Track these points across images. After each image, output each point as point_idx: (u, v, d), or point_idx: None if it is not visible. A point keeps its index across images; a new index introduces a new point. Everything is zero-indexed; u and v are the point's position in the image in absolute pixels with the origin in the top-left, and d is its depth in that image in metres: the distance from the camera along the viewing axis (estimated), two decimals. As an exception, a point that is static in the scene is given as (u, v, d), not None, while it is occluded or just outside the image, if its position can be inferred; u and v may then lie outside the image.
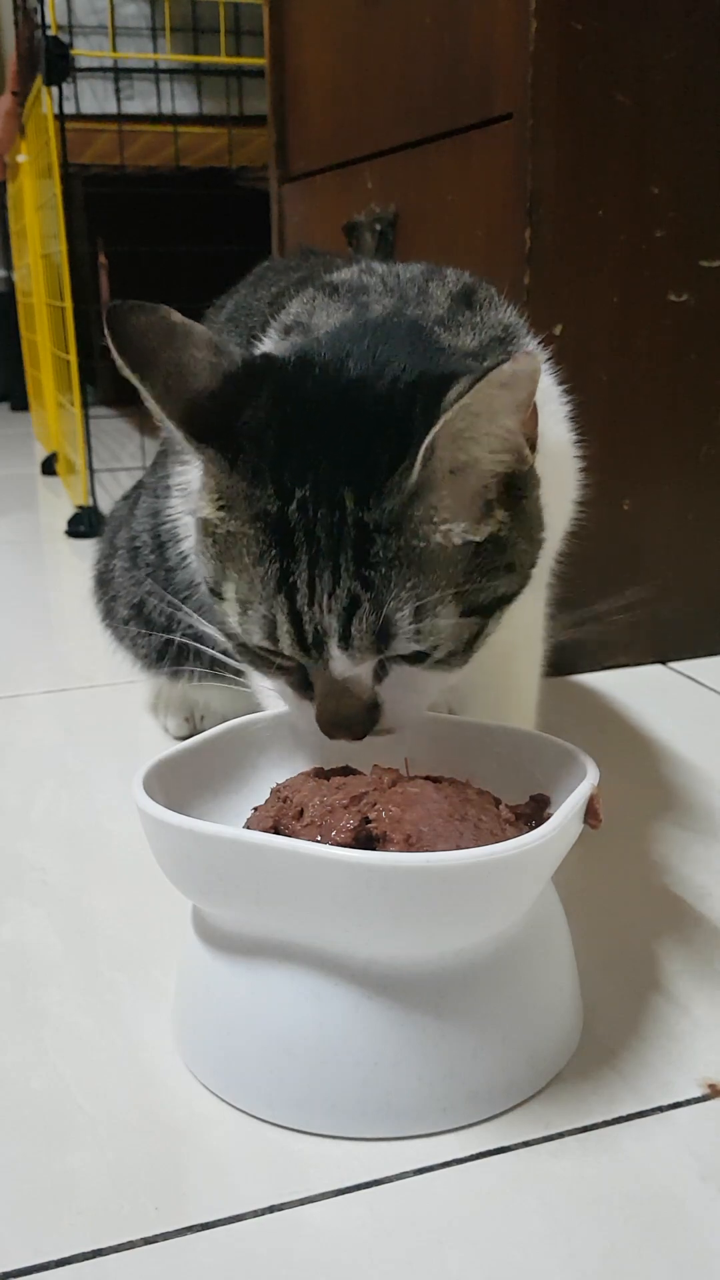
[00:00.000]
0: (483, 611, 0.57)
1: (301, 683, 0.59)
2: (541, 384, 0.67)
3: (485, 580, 0.56)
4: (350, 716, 0.58)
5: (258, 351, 0.71)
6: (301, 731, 0.62)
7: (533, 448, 0.57)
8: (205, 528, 0.58)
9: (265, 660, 0.59)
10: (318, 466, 0.54)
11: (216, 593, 0.58)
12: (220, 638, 0.62)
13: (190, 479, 0.69)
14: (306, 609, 0.54)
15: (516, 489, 0.58)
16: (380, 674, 0.57)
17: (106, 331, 0.55)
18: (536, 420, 0.58)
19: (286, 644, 0.55)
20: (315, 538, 0.53)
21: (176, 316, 0.57)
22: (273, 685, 0.61)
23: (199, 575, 0.61)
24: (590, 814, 0.57)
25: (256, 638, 0.56)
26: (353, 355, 0.57)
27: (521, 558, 0.58)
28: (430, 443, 0.52)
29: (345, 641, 0.54)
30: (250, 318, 0.86)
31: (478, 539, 0.55)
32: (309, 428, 0.55)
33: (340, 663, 0.55)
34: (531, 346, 0.69)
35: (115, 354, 0.55)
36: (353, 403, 0.55)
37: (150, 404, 0.56)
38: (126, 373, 0.55)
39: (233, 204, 2.28)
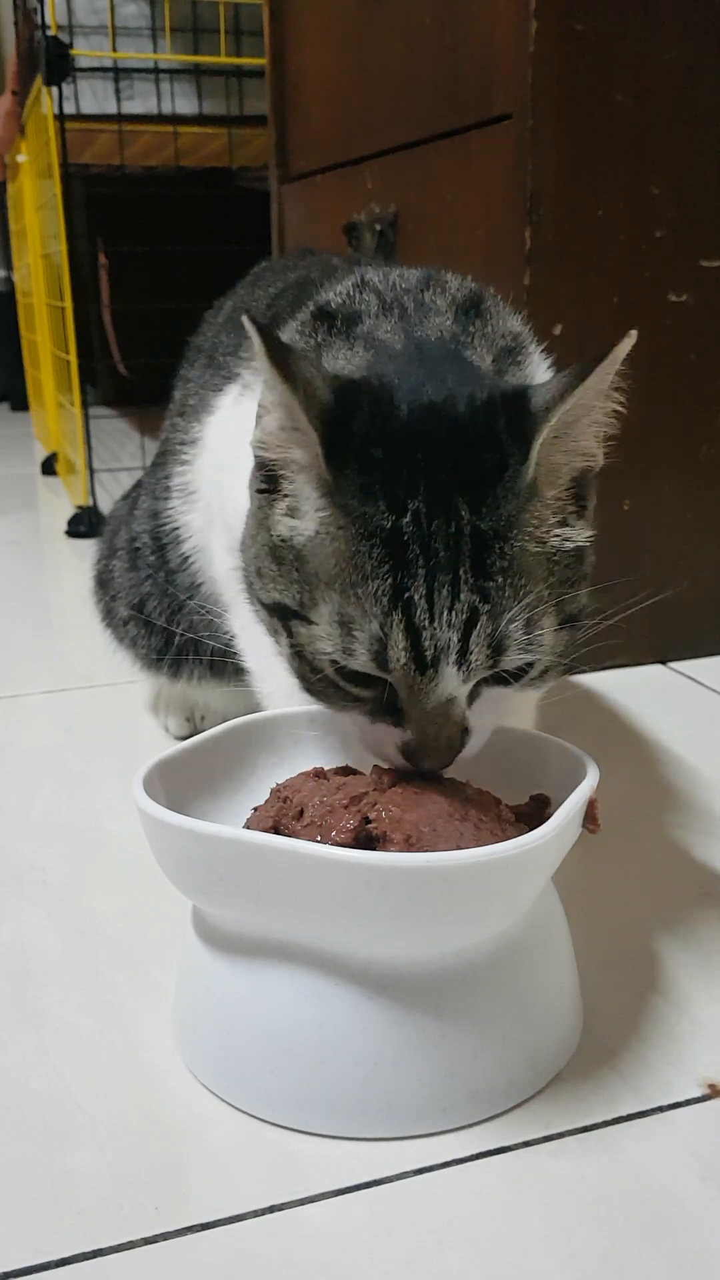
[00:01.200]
0: (573, 621, 0.56)
1: (383, 709, 0.55)
2: (548, 378, 0.67)
3: (573, 589, 0.56)
4: (449, 741, 0.54)
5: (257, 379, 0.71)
6: (378, 753, 0.58)
7: (600, 445, 0.57)
8: (289, 547, 0.55)
9: (343, 689, 0.55)
10: (428, 480, 0.52)
11: (300, 616, 0.55)
12: (282, 666, 0.59)
13: (236, 497, 0.65)
14: (427, 625, 0.51)
15: (583, 497, 0.57)
16: (473, 695, 0.55)
17: (258, 343, 0.53)
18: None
19: (400, 663, 0.52)
20: (432, 550, 0.51)
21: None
22: (339, 713, 0.58)
23: (263, 598, 0.58)
24: (589, 819, 0.57)
25: (360, 660, 0.53)
26: (424, 380, 0.57)
27: (590, 570, 0.58)
28: (538, 446, 0.52)
29: (463, 657, 0.52)
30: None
31: (576, 544, 0.55)
32: (411, 446, 0.54)
33: (451, 681, 0.52)
34: (541, 353, 0.69)
35: (272, 366, 0.53)
36: (445, 421, 0.55)
37: (290, 417, 0.54)
38: (277, 381, 0.53)
39: (233, 204, 2.28)
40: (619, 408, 0.56)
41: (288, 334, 0.68)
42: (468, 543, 0.52)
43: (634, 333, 0.52)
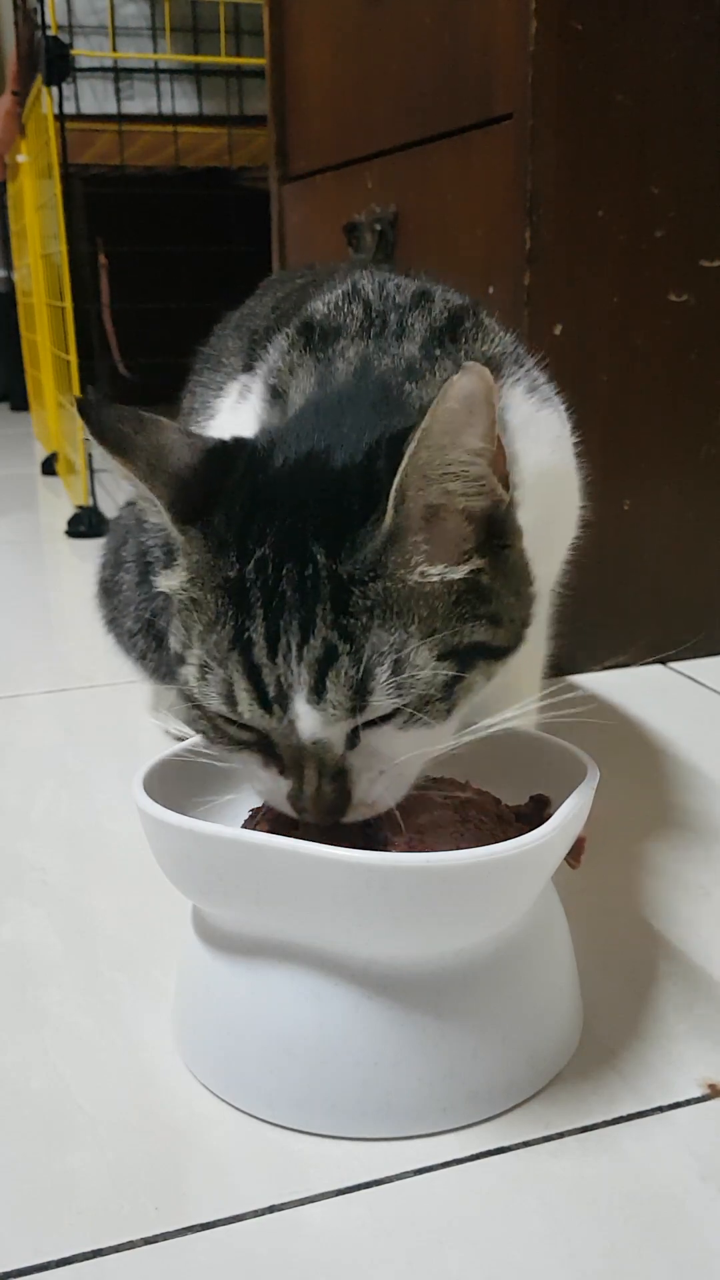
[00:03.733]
0: (458, 656, 0.53)
1: (265, 755, 0.55)
2: (521, 409, 0.66)
3: (462, 625, 0.54)
4: (324, 791, 0.53)
5: (245, 403, 0.71)
6: (273, 803, 0.57)
7: (505, 485, 0.55)
8: (175, 598, 0.57)
9: (225, 733, 0.55)
10: (279, 528, 0.53)
11: (182, 659, 0.56)
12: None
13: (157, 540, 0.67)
14: (267, 662, 0.51)
15: (496, 537, 0.56)
16: (351, 740, 0.53)
17: (83, 422, 0.56)
18: (503, 455, 0.55)
19: (245, 703, 0.52)
20: (277, 593, 0.52)
21: (142, 413, 0.57)
22: (236, 760, 0.57)
23: (172, 646, 0.59)
24: (573, 853, 0.57)
25: (214, 702, 0.53)
26: (318, 429, 0.57)
27: (507, 611, 0.56)
28: (400, 483, 0.51)
29: (317, 695, 0.51)
30: (252, 321, 0.86)
31: (455, 577, 0.53)
32: (272, 497, 0.54)
33: (309, 721, 0.51)
34: (520, 375, 0.67)
35: (95, 440, 0.55)
36: (316, 468, 0.55)
37: (136, 485, 0.56)
38: (110, 457, 0.55)
39: (233, 204, 2.28)
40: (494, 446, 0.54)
41: (275, 348, 0.69)
42: (325, 586, 0.51)
43: (477, 370, 0.50)
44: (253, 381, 0.71)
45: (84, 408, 0.56)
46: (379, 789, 0.54)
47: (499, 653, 0.56)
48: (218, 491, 0.55)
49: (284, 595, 0.52)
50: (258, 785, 0.57)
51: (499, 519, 0.56)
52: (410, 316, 0.66)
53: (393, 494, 0.51)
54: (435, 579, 0.53)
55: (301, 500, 0.53)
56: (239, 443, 0.58)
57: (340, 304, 0.68)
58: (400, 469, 0.51)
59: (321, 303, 0.69)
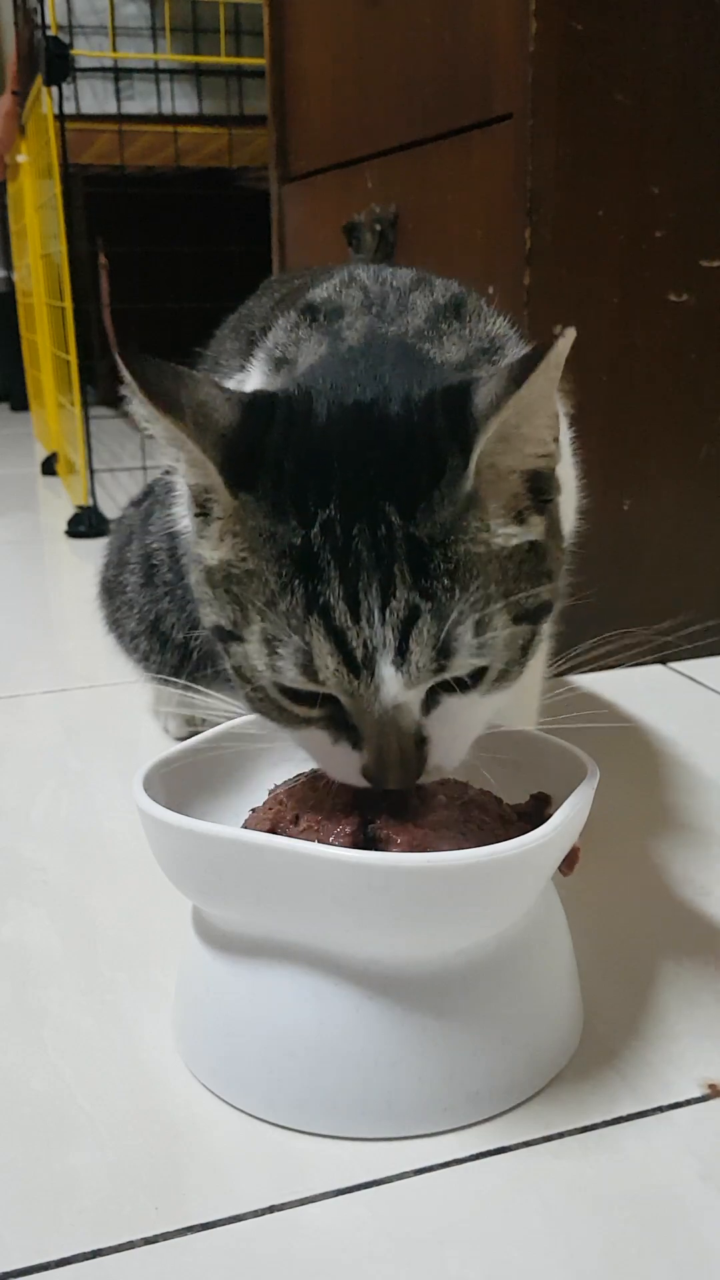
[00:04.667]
0: (531, 618, 0.54)
1: (336, 724, 0.53)
2: None
3: (531, 586, 0.54)
4: (403, 756, 0.52)
5: (247, 376, 0.70)
6: (342, 778, 0.56)
7: (556, 440, 0.56)
8: (221, 570, 0.55)
9: (288, 710, 0.54)
10: (344, 488, 0.51)
11: (236, 636, 0.54)
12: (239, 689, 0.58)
13: (178, 511, 0.66)
14: (351, 625, 0.50)
15: (543, 493, 0.56)
16: (428, 704, 0.52)
17: (129, 377, 0.52)
18: (558, 409, 0.56)
19: (329, 669, 0.50)
20: (352, 553, 0.50)
21: (180, 367, 0.54)
22: (298, 739, 0.56)
23: (205, 622, 0.57)
24: (567, 861, 0.57)
25: (290, 675, 0.51)
26: (355, 380, 0.56)
27: (556, 566, 0.56)
28: (484, 447, 0.51)
29: (402, 657, 0.50)
30: (251, 322, 0.86)
31: (528, 540, 0.54)
32: (326, 455, 0.52)
33: (392, 684, 0.50)
34: (517, 355, 0.68)
35: (145, 399, 0.52)
36: (370, 423, 0.53)
37: (184, 447, 0.53)
38: (154, 416, 0.52)
39: (233, 204, 2.28)
40: (569, 407, 0.55)
41: (276, 334, 0.68)
42: (402, 546, 0.50)
43: (572, 331, 0.50)
44: (250, 364, 0.71)
45: (128, 359, 0.52)
46: (452, 754, 0.54)
47: (552, 609, 0.57)
48: (261, 449, 0.53)
49: (359, 557, 0.50)
50: (325, 762, 0.56)
51: (545, 474, 0.56)
52: (411, 296, 0.67)
53: (474, 457, 0.51)
54: (509, 541, 0.53)
55: (362, 458, 0.52)
56: (272, 396, 0.56)
57: (339, 288, 0.69)
58: (485, 433, 0.51)
59: (320, 289, 0.70)
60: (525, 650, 0.54)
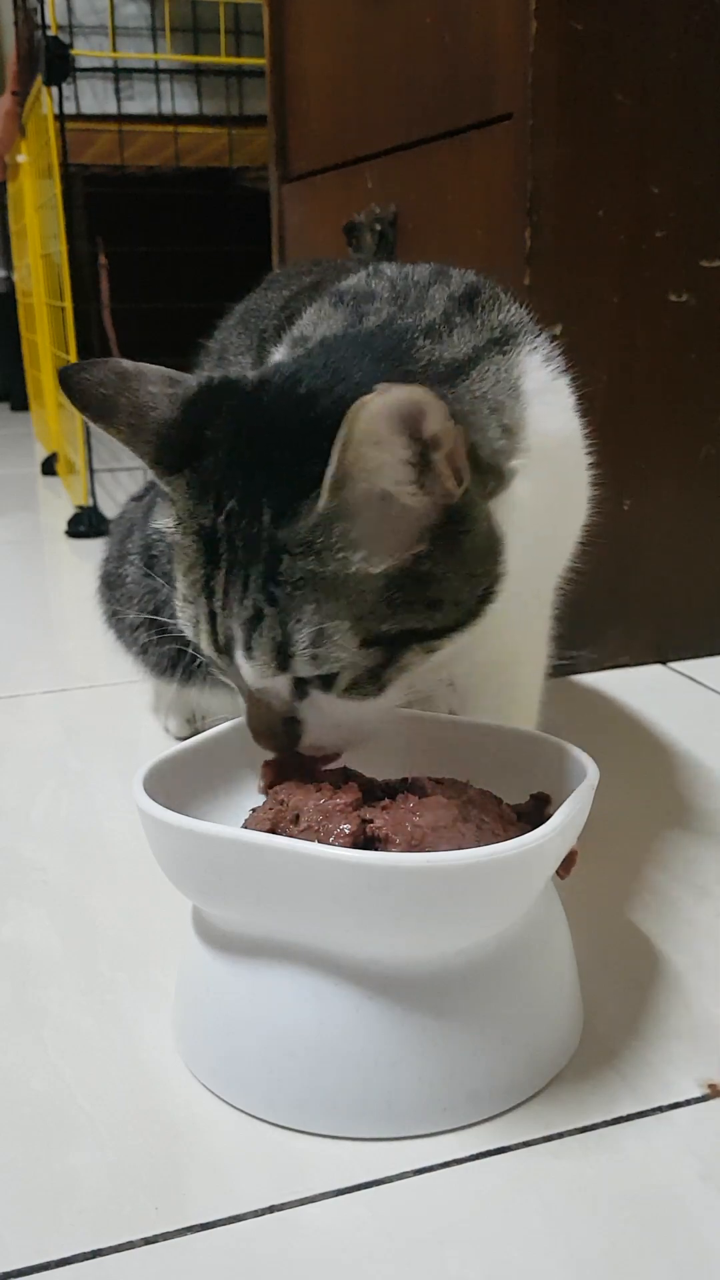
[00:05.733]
0: (387, 643, 0.55)
1: (240, 685, 0.59)
2: (537, 375, 0.66)
3: (394, 612, 0.54)
4: (270, 727, 0.58)
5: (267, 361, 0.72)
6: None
7: (459, 480, 0.55)
8: (169, 538, 0.60)
9: (213, 662, 0.59)
10: (249, 479, 0.55)
11: (175, 598, 0.60)
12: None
13: None
14: (220, 612, 0.55)
15: (454, 523, 0.56)
16: (301, 692, 0.56)
17: (63, 392, 0.59)
18: (460, 449, 0.54)
19: (205, 644, 0.57)
20: (235, 547, 0.55)
21: (127, 363, 0.59)
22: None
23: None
24: (563, 864, 0.57)
25: (190, 635, 0.58)
26: (313, 369, 0.57)
27: (452, 594, 0.56)
28: (332, 474, 0.51)
29: (248, 651, 0.55)
30: (260, 320, 0.86)
31: (383, 570, 0.53)
32: (252, 444, 0.56)
33: (247, 671, 0.55)
34: (539, 344, 0.68)
35: (78, 409, 0.58)
36: (292, 419, 0.55)
37: (123, 445, 0.59)
38: (92, 424, 0.59)
39: (233, 204, 2.28)
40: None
41: (303, 321, 0.69)
42: (264, 547, 0.53)
43: (383, 389, 0.49)
44: (271, 355, 0.73)
45: (64, 376, 0.58)
46: (330, 738, 0.59)
47: (437, 634, 0.57)
48: (201, 438, 0.57)
49: (238, 551, 0.54)
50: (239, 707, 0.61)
51: (457, 507, 0.56)
52: (431, 290, 0.67)
53: (327, 482, 0.52)
54: (365, 567, 0.53)
55: (269, 452, 0.55)
56: (225, 383, 0.59)
57: (366, 280, 0.70)
58: (331, 463, 0.51)
59: (351, 279, 0.71)
60: (377, 674, 0.56)
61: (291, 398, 0.56)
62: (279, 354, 0.70)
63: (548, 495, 0.64)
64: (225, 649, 0.56)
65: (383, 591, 0.54)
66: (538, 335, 0.69)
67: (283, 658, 0.54)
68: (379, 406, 0.49)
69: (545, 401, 0.65)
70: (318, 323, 0.68)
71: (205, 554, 0.56)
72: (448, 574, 0.56)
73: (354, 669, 0.55)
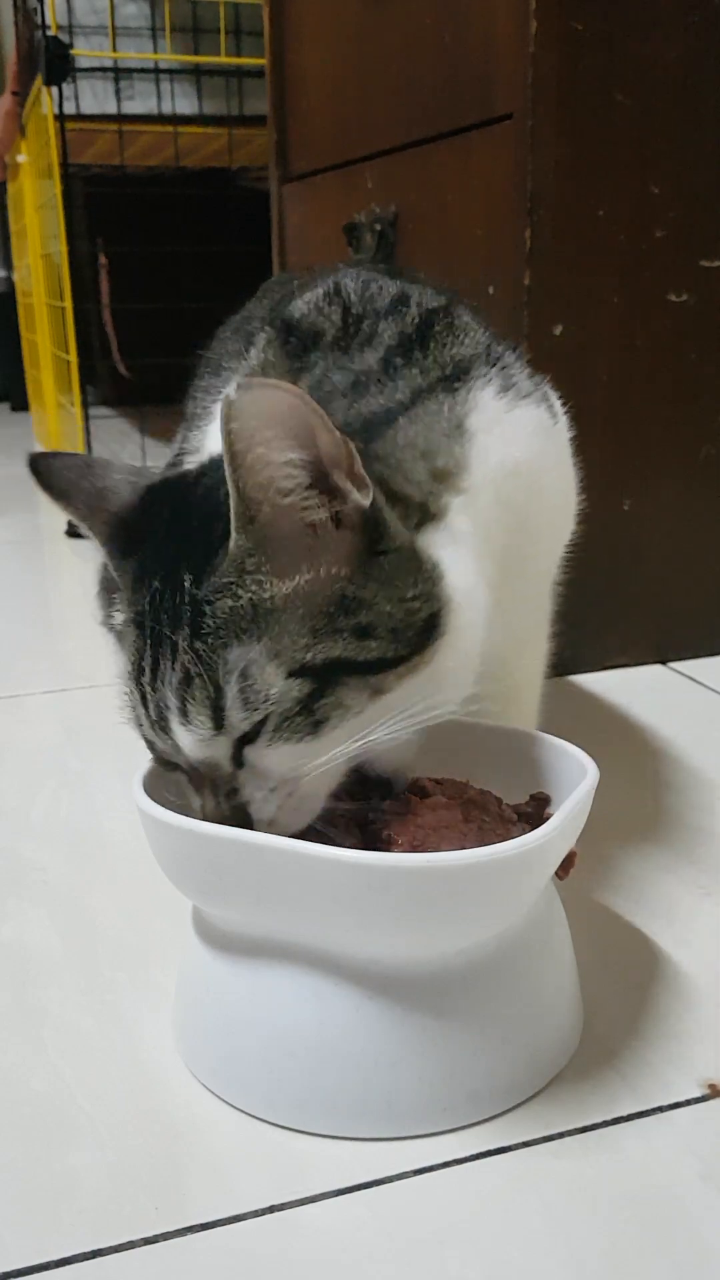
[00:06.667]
0: (314, 674, 0.52)
1: (189, 779, 0.57)
2: (487, 410, 0.64)
3: (317, 640, 0.52)
4: (224, 808, 0.54)
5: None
6: None
7: (358, 486, 0.53)
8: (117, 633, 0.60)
9: (156, 756, 0.58)
10: (171, 560, 0.55)
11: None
12: None
13: None
14: (150, 689, 0.54)
15: (371, 543, 0.54)
16: (239, 761, 0.53)
17: (32, 476, 0.61)
18: (352, 455, 0.53)
19: (143, 724, 0.56)
20: (160, 622, 0.54)
21: (94, 458, 0.62)
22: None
23: None
24: (562, 866, 0.57)
25: (130, 723, 0.57)
26: None
27: (383, 620, 0.54)
28: (235, 504, 0.51)
29: (184, 717, 0.53)
30: (250, 325, 0.86)
31: (297, 591, 0.53)
32: (175, 530, 0.56)
33: (185, 741, 0.53)
34: (492, 375, 0.65)
35: (42, 490, 0.61)
36: (211, 500, 0.55)
37: (80, 527, 0.61)
38: (54, 503, 0.61)
39: (233, 204, 2.28)
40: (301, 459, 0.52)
41: (255, 346, 0.69)
42: (187, 610, 0.53)
43: (247, 384, 0.49)
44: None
45: (33, 461, 0.62)
46: (273, 808, 0.54)
47: (374, 666, 0.53)
48: (145, 527, 0.58)
49: (162, 623, 0.54)
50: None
51: (371, 523, 0.54)
52: (383, 324, 0.66)
53: (232, 515, 0.51)
54: (277, 590, 0.52)
55: (189, 533, 0.56)
56: (180, 478, 0.61)
57: (321, 304, 0.68)
58: (230, 491, 0.51)
59: (303, 302, 0.69)
60: (307, 707, 0.52)
61: (211, 487, 0.56)
62: (232, 388, 0.69)
63: (503, 523, 0.62)
64: (161, 724, 0.54)
65: (304, 620, 0.52)
66: (493, 364, 0.66)
67: (217, 713, 0.52)
68: (247, 409, 0.49)
69: (495, 436, 0.63)
70: (264, 368, 0.67)
71: (135, 639, 0.56)
72: (375, 599, 0.54)
73: (280, 705, 0.52)
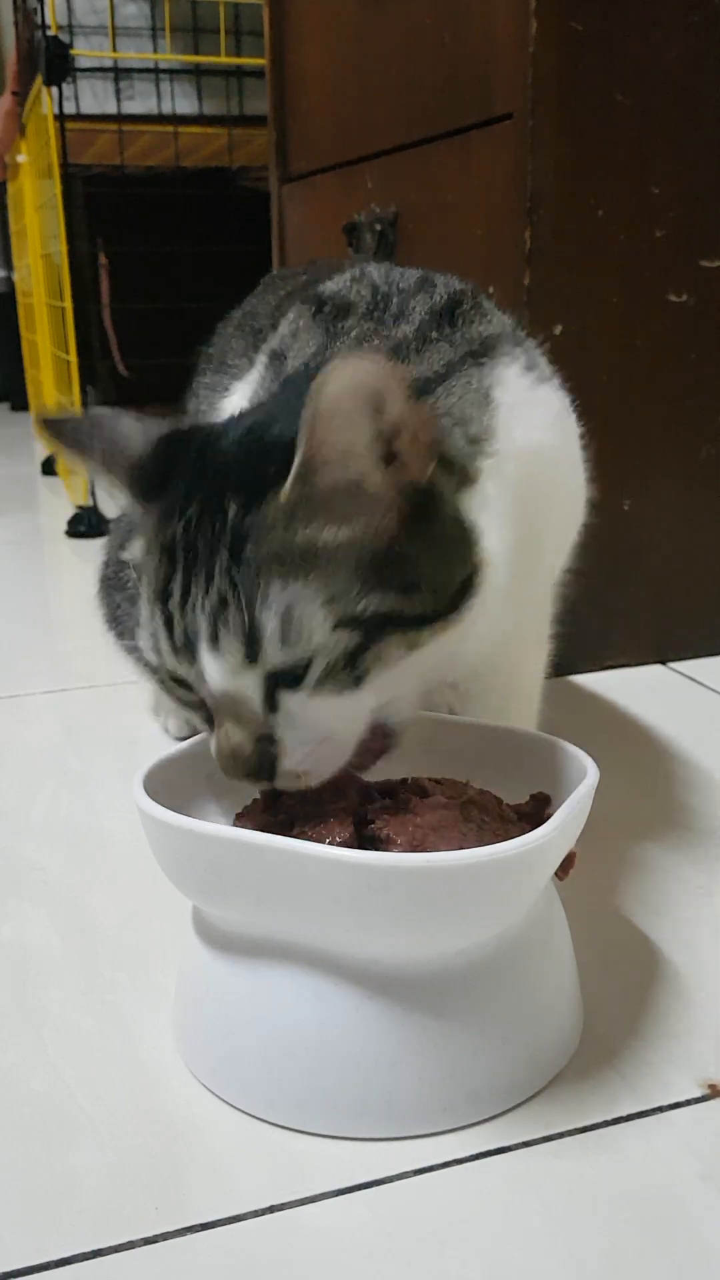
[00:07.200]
0: (363, 626, 0.53)
1: (206, 716, 0.57)
2: (513, 388, 0.66)
3: (368, 592, 0.53)
4: (239, 747, 0.54)
5: (251, 374, 0.73)
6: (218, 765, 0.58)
7: (423, 453, 0.55)
8: (134, 571, 0.60)
9: (174, 693, 0.58)
10: (208, 488, 0.55)
11: (138, 626, 0.59)
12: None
13: None
14: (178, 611, 0.54)
15: (423, 505, 0.56)
16: (273, 704, 0.54)
17: (48, 437, 0.61)
18: (427, 428, 0.55)
19: (165, 653, 0.55)
20: (194, 547, 0.54)
21: (100, 413, 0.62)
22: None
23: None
24: (562, 865, 0.57)
25: (148, 654, 0.57)
26: (276, 404, 0.60)
27: (428, 578, 0.56)
28: (301, 458, 0.52)
29: (214, 643, 0.53)
30: (256, 320, 0.86)
31: (352, 544, 0.54)
32: (213, 469, 0.56)
33: (212, 669, 0.53)
34: (518, 354, 0.68)
35: (55, 444, 0.61)
36: (256, 437, 0.57)
37: (100, 478, 0.61)
38: (70, 458, 0.61)
39: (233, 204, 2.28)
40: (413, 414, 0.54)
41: (280, 329, 0.70)
42: (227, 537, 0.53)
43: (348, 357, 0.51)
44: (256, 360, 0.73)
45: (46, 425, 0.62)
46: (303, 755, 0.55)
47: (416, 621, 0.55)
48: (168, 471, 0.58)
49: (198, 549, 0.54)
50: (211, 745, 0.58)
51: (425, 490, 0.56)
52: (413, 300, 0.67)
53: (295, 466, 0.52)
54: (333, 540, 0.53)
55: (232, 464, 0.56)
56: (196, 427, 0.61)
57: (351, 283, 0.70)
58: (300, 448, 0.52)
59: (333, 282, 0.71)
60: (353, 659, 0.54)
61: (252, 429, 0.58)
62: (259, 364, 0.71)
63: (523, 499, 0.63)
64: (186, 648, 0.54)
65: (354, 570, 0.53)
66: (519, 345, 0.69)
67: (251, 645, 0.52)
68: (341, 380, 0.50)
69: (518, 412, 0.65)
70: (295, 334, 0.68)
71: (165, 564, 0.55)
72: (420, 556, 0.56)
73: (328, 654, 0.53)
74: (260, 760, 0.55)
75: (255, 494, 0.54)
